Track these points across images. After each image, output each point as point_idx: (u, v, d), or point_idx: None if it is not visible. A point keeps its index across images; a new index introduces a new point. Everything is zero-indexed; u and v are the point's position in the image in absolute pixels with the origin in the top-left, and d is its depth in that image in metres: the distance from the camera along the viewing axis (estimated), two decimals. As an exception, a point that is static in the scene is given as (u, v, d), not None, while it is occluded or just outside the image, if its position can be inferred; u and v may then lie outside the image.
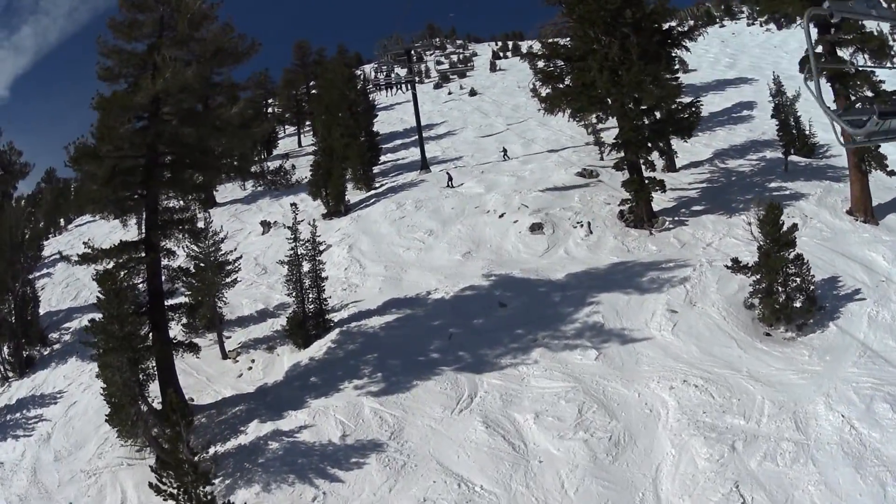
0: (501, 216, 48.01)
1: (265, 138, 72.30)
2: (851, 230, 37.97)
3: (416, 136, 71.52)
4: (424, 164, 66.57)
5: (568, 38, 46.57)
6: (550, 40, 47.51)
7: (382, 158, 73.55)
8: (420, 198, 55.18)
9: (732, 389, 25.14)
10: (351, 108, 69.63)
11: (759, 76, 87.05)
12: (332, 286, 40.74)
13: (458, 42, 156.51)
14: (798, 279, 30.32)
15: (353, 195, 62.49)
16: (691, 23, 63.77)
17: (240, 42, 32.90)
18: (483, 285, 38.12)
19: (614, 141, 45.90)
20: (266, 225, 57.64)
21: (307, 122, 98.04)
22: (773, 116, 53.37)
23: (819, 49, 42.03)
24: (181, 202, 33.19)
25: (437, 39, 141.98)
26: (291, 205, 36.58)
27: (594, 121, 60.71)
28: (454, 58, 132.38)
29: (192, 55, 31.18)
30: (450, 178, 57.71)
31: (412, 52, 71.22)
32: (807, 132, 53.76)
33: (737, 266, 31.75)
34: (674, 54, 45.69)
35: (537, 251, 42.97)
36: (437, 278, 40.51)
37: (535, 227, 45.14)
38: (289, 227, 36.76)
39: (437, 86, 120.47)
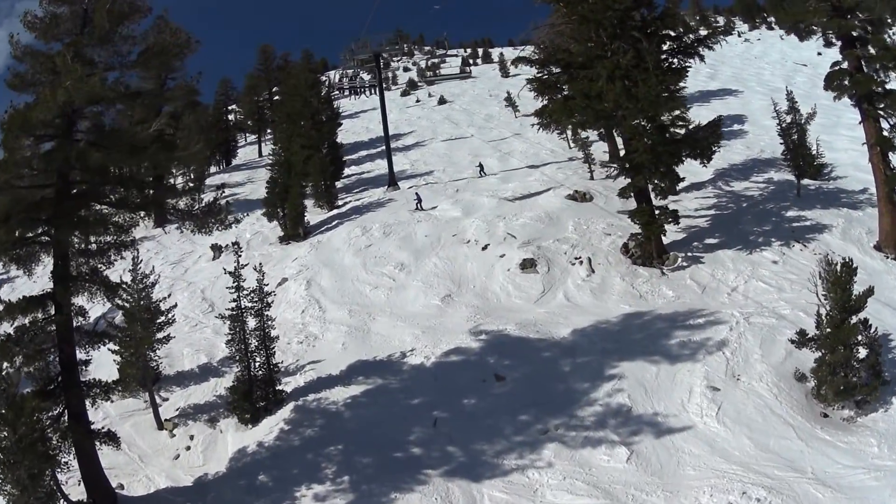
0: (485, 248, 39.82)
1: (203, 162, 62.50)
2: (884, 269, 33.60)
3: (383, 147, 63.95)
4: (392, 181, 57.98)
5: (566, 44, 37.86)
6: (544, 44, 38.94)
7: (346, 171, 66.61)
8: (388, 222, 46.77)
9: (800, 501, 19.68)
10: (314, 116, 61.11)
11: (742, 87, 79.77)
12: (287, 334, 33.45)
13: (427, 48, 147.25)
14: (865, 349, 24.53)
15: (313, 214, 54.20)
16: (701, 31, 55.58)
17: (173, 39, 24.15)
18: (471, 347, 29.93)
19: (617, 163, 37.75)
20: (217, 249, 48.96)
21: (269, 131, 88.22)
22: (780, 135, 46.25)
23: (845, 65, 36.49)
24: (96, 245, 24.45)
25: (406, 46, 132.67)
26: (234, 243, 27.41)
27: (583, 135, 52.39)
28: (422, 64, 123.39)
29: (117, 57, 24.15)
30: (419, 200, 49.63)
31: (381, 55, 61.83)
32: (814, 152, 45.93)
33: (802, 340, 25.27)
34: (687, 65, 37.17)
35: (531, 295, 35.08)
36: (412, 332, 32.51)
37: (527, 264, 37.08)
38: (230, 273, 28.34)
39: (405, 93, 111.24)
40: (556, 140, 63.99)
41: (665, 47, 37.30)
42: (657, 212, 36.81)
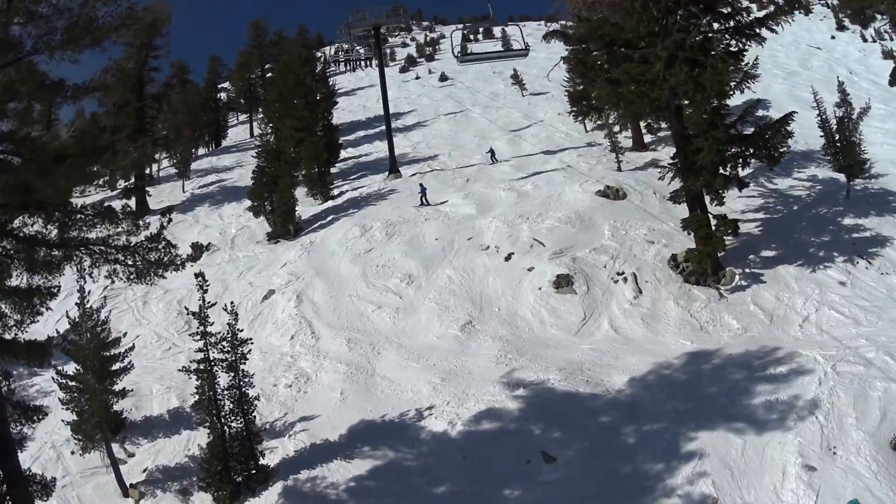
0: (508, 258, 32.70)
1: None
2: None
3: (382, 127, 57.45)
4: (394, 168, 50.59)
5: (612, 16, 30.23)
6: (581, 17, 31.28)
7: (343, 153, 59.46)
8: (391, 219, 39.62)
9: None
10: (307, 95, 53.10)
11: (758, 70, 71.84)
12: (273, 370, 27.35)
13: (425, 24, 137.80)
14: None
15: (305, 205, 46.79)
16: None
17: (107, 9, 16.54)
18: (508, 409, 23.02)
19: (671, 163, 30.50)
20: (198, 248, 41.35)
21: (260, 110, 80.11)
22: (822, 128, 39.25)
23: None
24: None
25: (403, 21, 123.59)
26: (198, 285, 19.52)
27: (611, 122, 45.00)
28: (420, 39, 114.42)
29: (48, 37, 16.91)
30: (423, 193, 42.25)
31: (380, 28, 53.73)
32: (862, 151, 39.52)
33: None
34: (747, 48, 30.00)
35: (570, 323, 28.24)
36: (428, 379, 25.49)
37: (562, 282, 30.01)
38: (194, 314, 21.40)
39: (403, 69, 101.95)
40: (571, 122, 56.44)
41: (716, 27, 29.94)
42: (714, 221, 29.66)
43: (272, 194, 42.10)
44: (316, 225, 42.37)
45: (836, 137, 39.75)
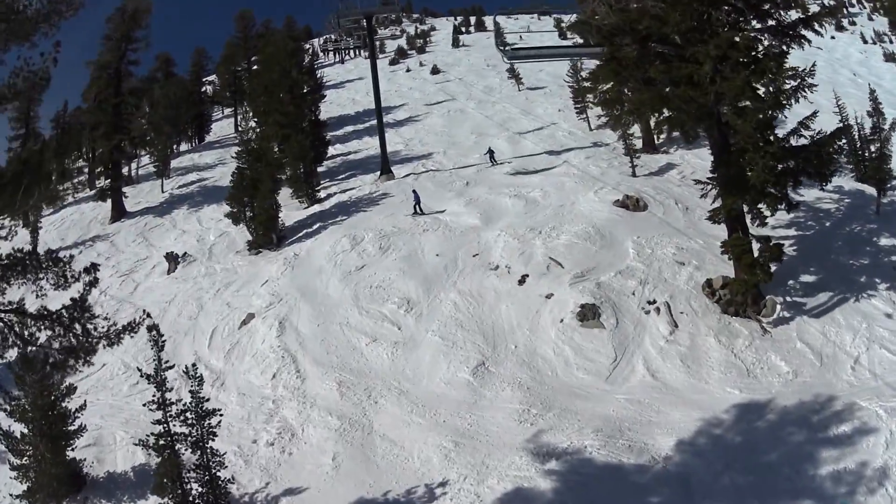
0: (522, 281, 28.34)
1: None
2: None
3: (371, 122, 54.11)
4: (386, 168, 46.02)
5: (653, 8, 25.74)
6: (611, 7, 26.71)
7: (330, 150, 54.41)
8: (385, 230, 35.22)
9: None
10: (292, 89, 48.01)
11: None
12: (252, 419, 23.28)
13: (415, 16, 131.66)
14: None
15: (289, 209, 42.09)
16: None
17: None
18: (540, 489, 18.85)
19: (710, 178, 26.24)
20: (172, 260, 37.36)
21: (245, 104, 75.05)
22: (847, 139, 36.21)
23: None
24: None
25: (396, 10, 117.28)
26: (152, 340, 14.67)
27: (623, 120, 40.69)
28: (411, 31, 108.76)
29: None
30: (417, 201, 37.19)
31: (373, 18, 48.77)
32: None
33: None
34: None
35: (599, 366, 24.12)
36: (438, 442, 21.07)
37: (588, 314, 25.78)
38: (149, 378, 16.31)
39: (394, 61, 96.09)
40: (574, 119, 52.10)
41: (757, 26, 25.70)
42: (758, 245, 25.89)
43: (253, 199, 37.29)
44: (301, 234, 37.72)
45: (859, 147, 36.27)
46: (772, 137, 23.86)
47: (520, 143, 49.57)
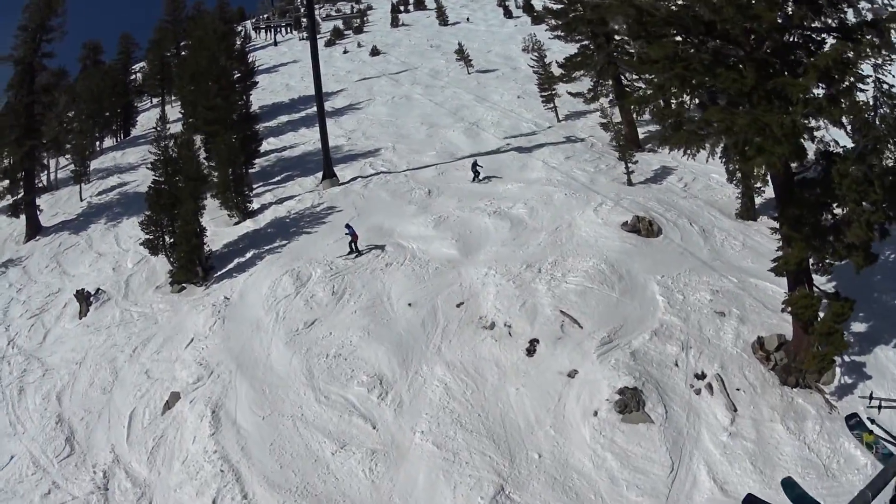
0: (532, 350, 21.92)
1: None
2: None
3: (308, 110, 48.86)
4: (328, 171, 38.22)
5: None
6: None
7: (264, 144, 45.73)
8: (336, 263, 28.02)
9: None
10: (219, 79, 40.64)
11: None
12: None
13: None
14: None
15: (217, 226, 34.27)
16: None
17: None
18: None
19: (776, 226, 19.85)
20: (84, 299, 29.62)
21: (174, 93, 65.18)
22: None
23: None
24: None
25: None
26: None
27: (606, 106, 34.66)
28: (347, 10, 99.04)
29: None
30: (353, 239, 28.52)
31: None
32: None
33: None
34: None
35: (654, 480, 18.08)
36: None
37: (629, 402, 19.97)
38: None
39: (330, 43, 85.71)
40: (539, 109, 44.94)
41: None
42: (834, 305, 19.45)
43: (173, 221, 29.42)
44: (232, 264, 29.89)
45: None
46: (875, 181, 17.30)
47: (480, 137, 42.37)
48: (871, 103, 17.80)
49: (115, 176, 48.18)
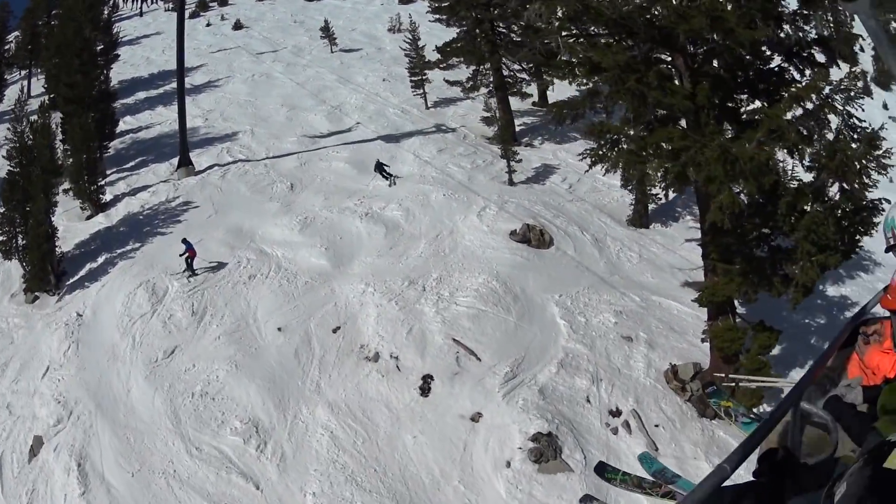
0: (426, 389, 19.35)
1: None
2: None
3: (166, 86, 44.06)
4: (185, 158, 33.42)
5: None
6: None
7: (121, 124, 39.39)
8: (195, 277, 23.76)
9: None
10: (83, 52, 35.04)
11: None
12: None
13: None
14: None
15: (70, 220, 29.65)
16: None
17: None
18: None
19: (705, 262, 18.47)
20: None
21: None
22: None
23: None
24: None
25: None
26: None
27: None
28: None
29: None
30: (189, 255, 23.95)
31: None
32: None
33: None
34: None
35: None
36: None
37: (544, 449, 17.19)
38: None
39: (194, 14, 77.02)
40: (406, 94, 41.92)
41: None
42: (760, 337, 18.35)
43: (27, 220, 25.15)
44: (84, 270, 25.52)
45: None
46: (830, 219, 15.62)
47: (343, 123, 38.76)
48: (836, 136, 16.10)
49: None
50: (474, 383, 18.78)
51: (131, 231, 27.93)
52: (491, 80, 35.81)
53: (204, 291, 22.88)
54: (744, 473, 2.67)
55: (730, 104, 16.16)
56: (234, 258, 24.61)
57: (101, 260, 25.88)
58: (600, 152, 16.86)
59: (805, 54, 16.87)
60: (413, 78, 40.54)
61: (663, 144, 15.05)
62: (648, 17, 15.42)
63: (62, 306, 23.88)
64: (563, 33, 18.62)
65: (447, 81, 37.63)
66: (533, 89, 38.78)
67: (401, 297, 21.85)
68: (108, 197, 31.39)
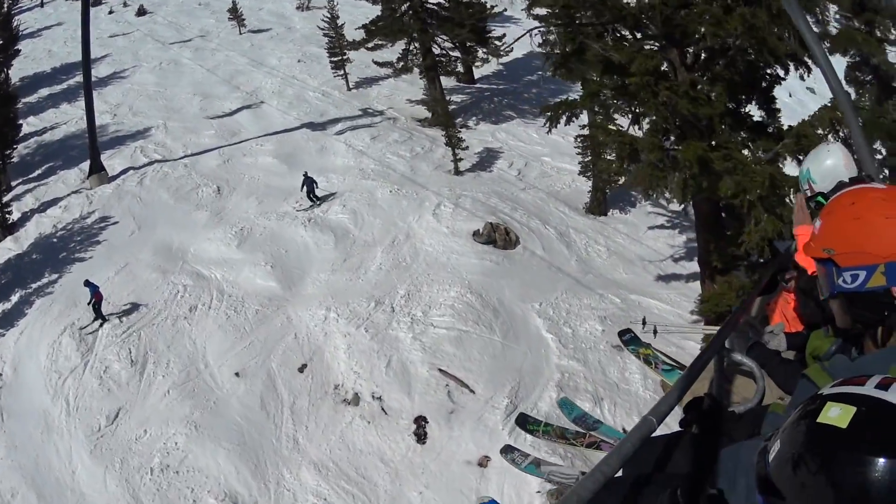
0: (422, 435, 17.85)
1: None
2: None
3: (70, 81, 40.57)
4: (96, 165, 29.22)
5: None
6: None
7: (24, 126, 34.48)
8: (123, 302, 21.23)
9: None
10: None
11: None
12: None
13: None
14: None
15: None
16: None
17: None
18: None
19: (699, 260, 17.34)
20: None
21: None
22: None
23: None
24: None
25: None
26: None
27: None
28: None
29: None
30: (95, 300, 20.16)
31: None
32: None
33: None
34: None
35: None
36: None
37: (564, 489, 14.69)
38: None
39: (95, 2, 69.66)
40: (324, 73, 38.84)
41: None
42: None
43: None
44: None
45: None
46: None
47: (262, 111, 35.47)
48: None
49: None
50: (474, 422, 16.74)
51: (46, 258, 24.18)
52: (420, 59, 33.42)
53: (140, 332, 19.79)
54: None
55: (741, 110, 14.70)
56: (167, 285, 21.57)
57: (14, 298, 22.14)
58: (620, 168, 15.04)
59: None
60: (333, 59, 37.55)
61: (689, 159, 13.32)
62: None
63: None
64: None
65: (376, 63, 34.82)
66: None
67: (369, 321, 19.54)
68: (15, 215, 27.24)
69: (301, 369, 18.48)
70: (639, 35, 14.43)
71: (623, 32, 15.00)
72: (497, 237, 23.07)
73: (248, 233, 24.14)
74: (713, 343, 3.50)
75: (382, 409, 17.13)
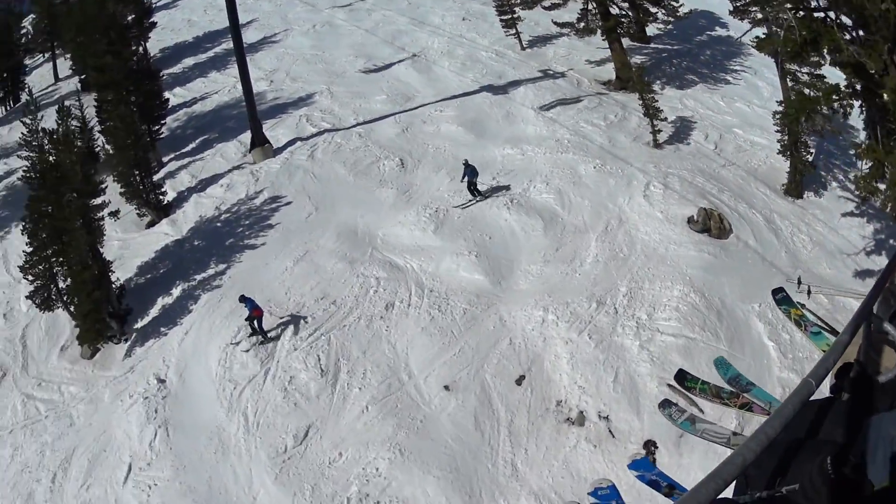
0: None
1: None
2: None
3: (216, 49, 39.65)
4: (258, 137, 27.65)
5: None
6: None
7: (171, 98, 33.25)
8: (307, 304, 19.60)
9: None
10: (109, 30, 28.06)
11: None
12: None
13: None
14: None
15: (125, 228, 24.67)
16: None
17: None
18: None
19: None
20: None
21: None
22: None
23: None
24: None
25: None
26: None
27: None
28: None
29: None
30: (256, 317, 18.58)
31: None
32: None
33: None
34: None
35: None
36: None
37: None
38: None
39: None
40: (493, 32, 36.74)
41: None
42: None
43: (66, 257, 20.23)
44: (156, 308, 20.77)
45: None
46: None
47: (433, 73, 33.73)
48: None
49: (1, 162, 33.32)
50: (704, 448, 15.05)
51: (210, 245, 22.70)
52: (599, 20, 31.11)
53: (330, 335, 18.33)
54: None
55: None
56: (356, 278, 20.03)
57: (175, 292, 20.87)
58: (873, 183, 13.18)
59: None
60: (503, 17, 35.53)
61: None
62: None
63: (133, 365, 19.03)
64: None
65: (556, 23, 32.62)
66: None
67: (592, 325, 17.78)
68: (170, 195, 25.94)
69: (518, 381, 16.93)
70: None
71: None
72: (712, 225, 20.80)
73: (444, 215, 22.46)
74: (861, 309, 3.36)
75: (609, 430, 15.59)
